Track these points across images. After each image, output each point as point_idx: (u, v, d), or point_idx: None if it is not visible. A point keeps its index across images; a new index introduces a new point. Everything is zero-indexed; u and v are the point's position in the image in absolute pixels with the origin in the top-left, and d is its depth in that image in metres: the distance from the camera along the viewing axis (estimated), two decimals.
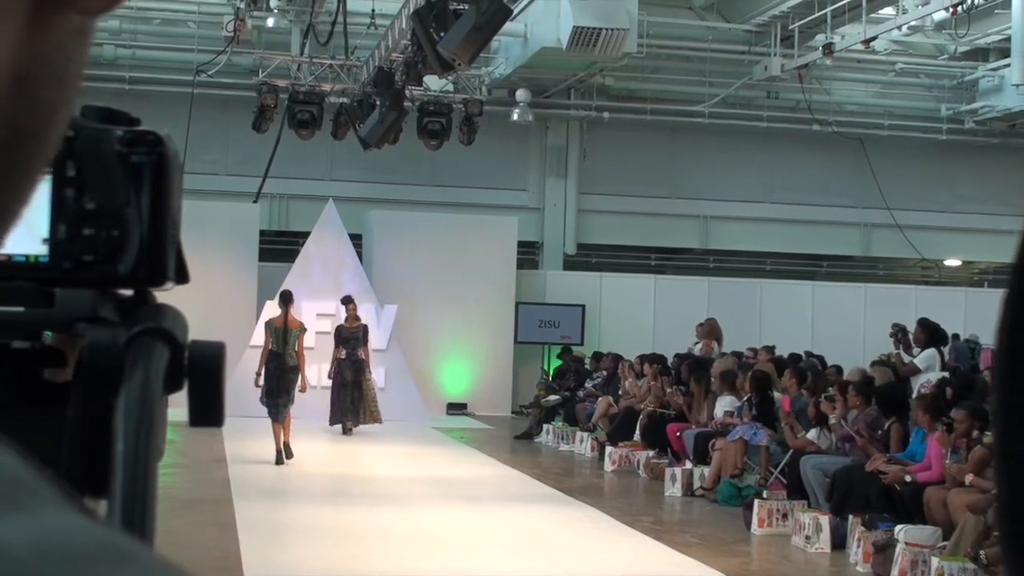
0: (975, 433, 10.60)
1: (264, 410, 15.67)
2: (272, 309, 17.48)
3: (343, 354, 18.82)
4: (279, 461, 15.42)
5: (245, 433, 17.74)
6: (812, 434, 13.08)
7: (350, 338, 18.81)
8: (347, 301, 19.18)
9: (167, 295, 1.04)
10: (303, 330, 16.02)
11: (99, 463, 0.93)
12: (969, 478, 10.00)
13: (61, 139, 0.71)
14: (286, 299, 16.03)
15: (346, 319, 19.10)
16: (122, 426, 0.90)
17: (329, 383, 21.49)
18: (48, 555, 0.51)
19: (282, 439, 15.48)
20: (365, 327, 19.15)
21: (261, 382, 15.64)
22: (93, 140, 1.00)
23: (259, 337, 17.53)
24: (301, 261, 22.34)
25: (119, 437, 0.90)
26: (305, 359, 16.00)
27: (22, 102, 0.65)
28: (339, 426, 19.00)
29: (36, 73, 0.66)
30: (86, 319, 0.98)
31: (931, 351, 16.63)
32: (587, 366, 22.11)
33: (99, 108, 1.02)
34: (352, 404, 18.78)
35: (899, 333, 17.98)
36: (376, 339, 20.36)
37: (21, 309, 0.99)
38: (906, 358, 16.99)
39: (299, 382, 15.76)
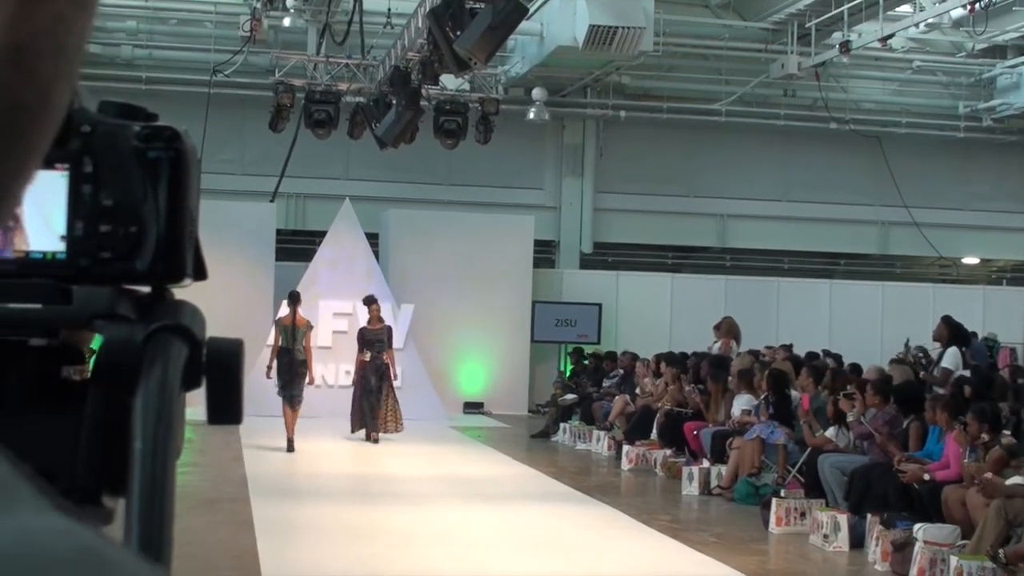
0: (984, 436, 10.56)
1: (278, 403, 17.07)
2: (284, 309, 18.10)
3: (367, 357, 18.00)
4: (290, 448, 16.71)
5: (262, 432, 17.80)
6: (830, 432, 13.05)
7: (374, 340, 17.98)
8: (370, 302, 18.34)
9: (184, 292, 1.03)
10: (310, 327, 17.37)
11: (117, 461, 0.92)
12: (988, 476, 9.96)
13: (62, 116, 0.69)
14: (294, 299, 17.24)
15: (369, 320, 18.34)
16: (140, 424, 0.90)
17: (348, 382, 21.57)
18: (16, 560, 0.48)
19: (290, 427, 16.81)
20: (389, 328, 18.44)
21: (273, 375, 16.92)
22: (110, 136, 0.99)
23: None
24: (318, 260, 22.38)
25: (137, 435, 0.89)
26: (312, 354, 17.36)
27: (20, 75, 0.63)
28: (358, 433, 18.07)
29: (34, 45, 0.64)
30: (103, 316, 0.98)
31: (954, 350, 16.47)
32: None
33: (117, 103, 1.01)
34: (372, 411, 17.84)
35: (922, 358, 17.50)
36: (393, 338, 19.61)
37: (38, 306, 0.99)
38: (935, 370, 16.64)
39: (308, 374, 17.13)
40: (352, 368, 21.59)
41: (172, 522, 0.87)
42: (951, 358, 16.30)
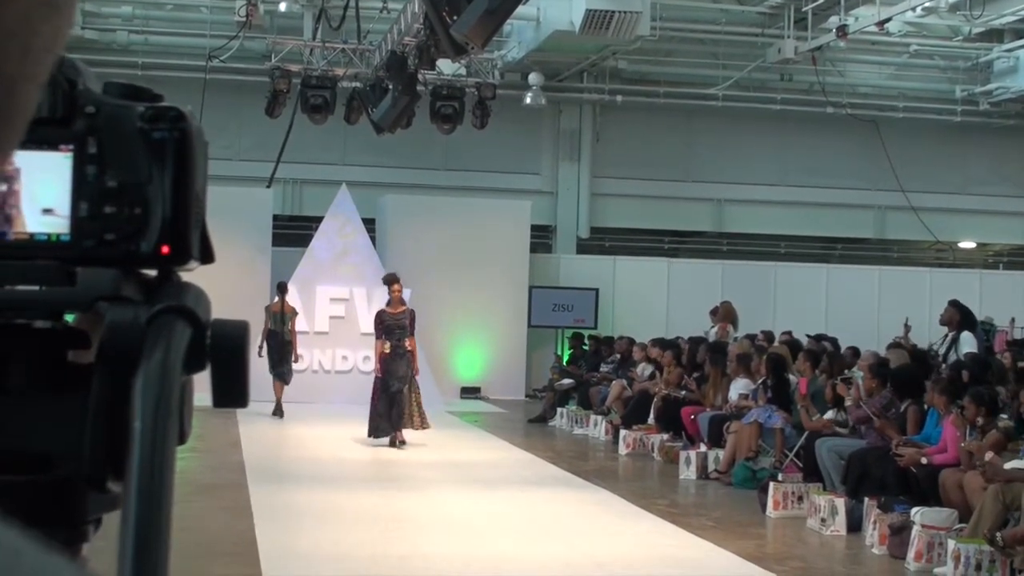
0: (980, 420, 10.56)
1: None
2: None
3: (387, 347, 15.84)
4: (279, 414, 18.87)
5: (260, 418, 17.83)
6: (830, 415, 13.05)
7: (395, 326, 15.86)
8: (391, 281, 16.40)
9: (182, 277, 1.02)
10: (295, 313, 19.67)
11: (122, 445, 0.92)
12: (989, 455, 9.96)
13: (29, 118, 0.68)
14: (282, 288, 19.72)
15: (388, 303, 16.25)
16: (140, 404, 0.89)
17: (345, 367, 21.54)
18: None
19: (279, 397, 19.05)
20: (412, 312, 16.26)
21: (263, 354, 18.74)
22: (115, 116, 0.98)
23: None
24: (314, 246, 22.35)
25: (136, 415, 0.88)
26: (296, 336, 19.52)
27: None
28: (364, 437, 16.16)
29: None
30: (107, 298, 0.97)
31: (968, 334, 16.37)
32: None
33: (121, 84, 1.00)
34: (397, 408, 15.77)
35: (935, 350, 17.21)
36: (415, 323, 16.91)
37: (42, 288, 0.98)
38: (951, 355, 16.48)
39: (292, 354, 19.25)
40: (349, 352, 21.66)
41: (171, 502, 0.86)
42: (970, 342, 16.17)
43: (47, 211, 0.97)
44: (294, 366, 19.48)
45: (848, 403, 12.76)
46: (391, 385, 15.72)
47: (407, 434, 15.99)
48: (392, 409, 15.78)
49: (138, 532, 0.83)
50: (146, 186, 0.98)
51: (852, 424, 12.69)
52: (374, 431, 15.93)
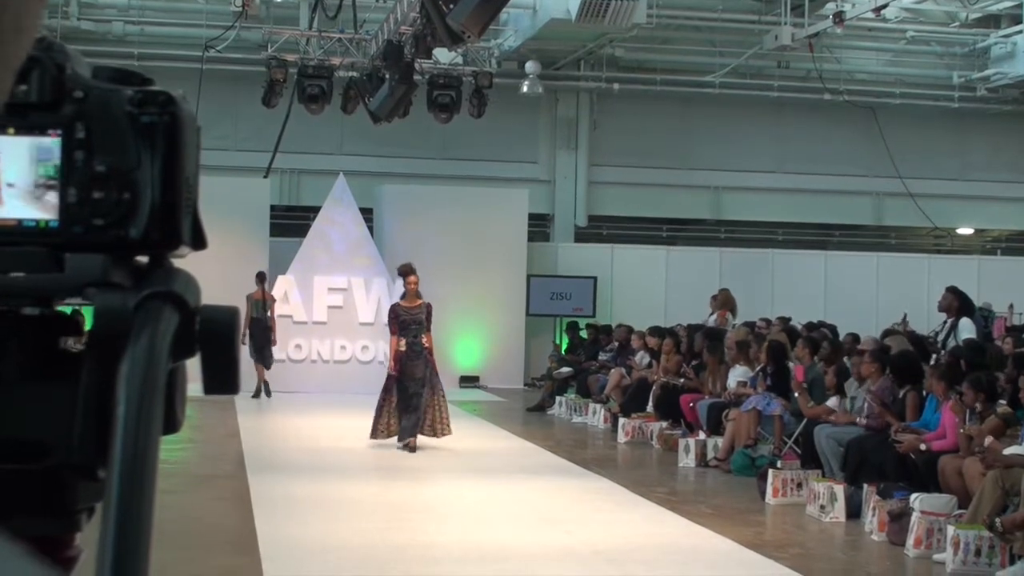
0: (978, 406, 10.56)
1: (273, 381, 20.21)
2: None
3: (403, 344, 14.56)
4: (256, 395, 19.81)
5: (258, 408, 17.83)
6: (832, 402, 13.03)
7: (411, 322, 14.58)
8: (407, 272, 14.87)
9: (182, 262, 1.01)
10: (274, 300, 20.97)
11: (111, 432, 0.91)
12: (988, 440, 9.95)
13: (2, 102, 0.67)
14: (261, 278, 20.75)
15: (404, 296, 14.89)
16: (124, 389, 0.87)
17: (343, 357, 21.52)
18: None
19: (262, 379, 20.15)
20: (429, 306, 14.78)
21: (247, 340, 19.60)
22: (103, 101, 0.97)
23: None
24: (312, 236, 22.34)
25: (120, 400, 0.87)
26: (276, 322, 20.74)
27: None
28: (375, 439, 14.79)
29: None
30: (95, 284, 0.96)
31: (967, 320, 16.36)
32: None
33: (111, 68, 0.99)
34: (414, 411, 14.41)
35: (932, 337, 17.15)
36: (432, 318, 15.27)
37: (30, 275, 0.97)
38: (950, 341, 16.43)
39: (272, 338, 20.39)
40: (347, 343, 21.65)
41: (154, 489, 0.85)
42: (969, 329, 16.14)
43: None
44: (273, 350, 20.69)
45: (860, 421, 12.55)
46: (408, 387, 14.44)
47: (431, 441, 14.72)
48: (411, 415, 14.43)
49: (119, 517, 0.82)
50: (135, 171, 0.97)
51: (853, 411, 12.66)
52: (378, 433, 14.70)
